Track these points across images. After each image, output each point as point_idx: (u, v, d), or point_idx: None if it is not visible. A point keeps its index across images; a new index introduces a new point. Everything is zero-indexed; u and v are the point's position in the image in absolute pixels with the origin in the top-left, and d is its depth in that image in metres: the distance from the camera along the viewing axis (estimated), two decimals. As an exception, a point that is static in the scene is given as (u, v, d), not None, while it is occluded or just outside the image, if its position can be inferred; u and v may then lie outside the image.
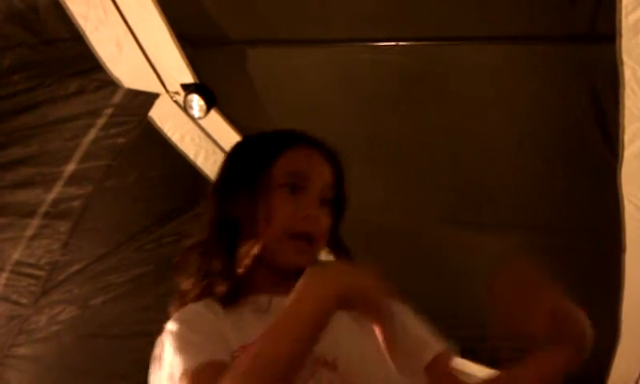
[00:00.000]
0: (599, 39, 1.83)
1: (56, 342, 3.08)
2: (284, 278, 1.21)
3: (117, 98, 2.52)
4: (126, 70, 2.46)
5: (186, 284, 1.31)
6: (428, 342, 1.26)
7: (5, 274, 2.79)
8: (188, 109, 2.61)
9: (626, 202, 2.25)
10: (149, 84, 2.58)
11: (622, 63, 1.80)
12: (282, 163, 1.28)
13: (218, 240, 1.26)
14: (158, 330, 1.24)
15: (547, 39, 1.97)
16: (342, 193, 1.35)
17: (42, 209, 2.67)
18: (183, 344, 1.11)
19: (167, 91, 2.63)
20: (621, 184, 2.19)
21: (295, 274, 1.11)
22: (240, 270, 1.24)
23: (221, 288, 1.22)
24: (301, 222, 1.22)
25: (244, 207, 1.26)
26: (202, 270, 1.27)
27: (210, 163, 2.97)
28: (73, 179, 2.65)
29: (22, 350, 3.03)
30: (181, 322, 1.19)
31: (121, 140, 2.64)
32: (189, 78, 2.55)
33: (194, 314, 1.22)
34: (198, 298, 1.26)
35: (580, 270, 2.70)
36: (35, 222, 2.70)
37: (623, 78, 1.83)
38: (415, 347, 1.24)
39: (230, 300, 1.20)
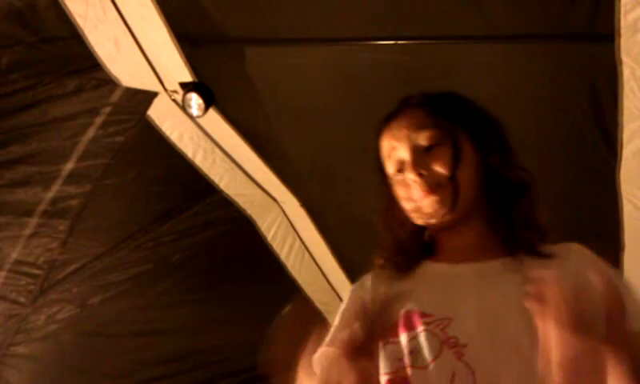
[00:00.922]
0: (598, 38, 1.83)
1: (54, 341, 3.08)
2: (460, 229, 1.30)
3: (115, 96, 2.51)
4: (125, 68, 2.45)
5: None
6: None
7: (3, 273, 2.78)
8: (186, 107, 2.60)
9: (624, 201, 2.25)
10: (147, 83, 2.57)
11: (620, 62, 1.80)
12: (383, 155, 1.38)
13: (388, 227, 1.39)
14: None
15: (546, 38, 1.97)
16: (454, 121, 1.33)
17: (41, 207, 2.67)
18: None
19: (166, 90, 2.63)
20: (619, 183, 2.20)
21: (464, 218, 1.28)
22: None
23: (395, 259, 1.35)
24: (412, 192, 1.29)
25: (389, 203, 1.38)
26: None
27: (208, 162, 2.97)
28: (71, 178, 2.64)
29: (20, 349, 3.03)
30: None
31: (119, 139, 2.64)
32: (187, 77, 2.55)
33: (352, 291, 1.40)
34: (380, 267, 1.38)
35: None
36: (34, 221, 2.70)
37: (622, 77, 1.84)
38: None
39: (403, 269, 1.32)
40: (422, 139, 1.29)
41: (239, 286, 3.32)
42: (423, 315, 1.18)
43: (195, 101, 2.58)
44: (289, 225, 3.46)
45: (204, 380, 3.47)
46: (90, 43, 2.31)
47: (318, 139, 2.70)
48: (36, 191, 2.62)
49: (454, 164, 1.27)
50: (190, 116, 2.69)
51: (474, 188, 1.29)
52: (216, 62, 2.53)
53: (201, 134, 2.87)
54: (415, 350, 1.14)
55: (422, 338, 1.14)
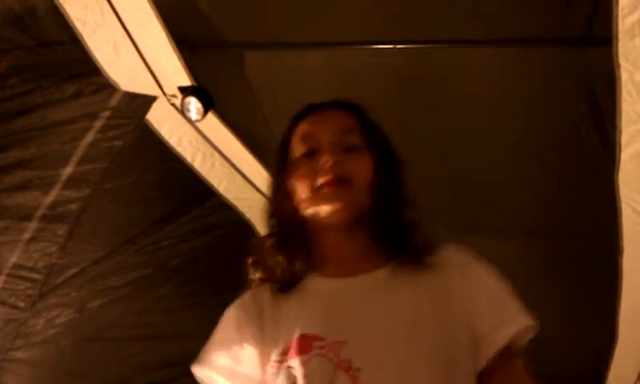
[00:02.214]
0: (596, 42, 1.83)
1: (53, 346, 3.07)
2: (345, 236, 1.30)
3: (114, 100, 2.51)
4: (124, 73, 2.45)
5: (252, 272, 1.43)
6: (499, 323, 1.20)
7: (2, 278, 2.78)
8: (185, 111, 2.61)
9: (623, 205, 2.25)
10: (146, 87, 2.58)
11: (618, 66, 1.80)
12: (294, 139, 1.37)
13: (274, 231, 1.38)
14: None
15: (544, 42, 1.97)
16: (376, 137, 1.36)
17: (40, 212, 2.67)
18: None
19: (164, 94, 2.63)
20: (618, 186, 2.20)
21: (352, 223, 1.27)
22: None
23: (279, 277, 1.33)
24: (319, 175, 1.27)
25: (280, 191, 1.37)
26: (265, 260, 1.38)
27: (207, 166, 2.98)
28: (70, 182, 2.64)
29: (19, 354, 3.02)
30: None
31: (118, 143, 2.64)
32: (186, 81, 2.55)
33: (230, 310, 1.43)
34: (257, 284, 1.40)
35: (578, 273, 2.70)
36: (32, 225, 2.70)
37: (620, 80, 1.84)
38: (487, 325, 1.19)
39: (285, 288, 1.30)
40: (349, 139, 1.32)
41: (238, 291, 3.31)
42: (316, 338, 1.17)
43: (194, 105, 2.58)
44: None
45: (203, 384, 3.46)
46: (88, 47, 2.32)
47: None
48: (35, 195, 2.62)
49: (370, 173, 1.30)
50: (189, 120, 2.69)
51: (368, 198, 1.29)
52: (215, 66, 2.53)
53: (200, 138, 2.87)
54: (309, 375, 1.13)
55: (316, 363, 1.14)
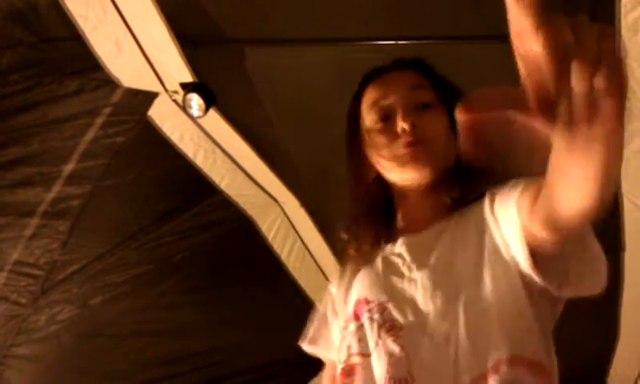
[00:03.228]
0: (598, 38, 1.82)
1: (55, 342, 3.08)
2: (424, 196, 1.28)
3: (116, 97, 2.51)
4: (125, 69, 2.45)
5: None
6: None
7: (4, 274, 2.79)
8: (187, 108, 2.60)
9: (625, 201, 2.25)
10: (148, 83, 2.57)
11: (621, 62, 1.80)
12: (364, 107, 1.34)
13: (356, 204, 1.36)
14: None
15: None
16: (446, 90, 1.33)
17: (41, 208, 2.67)
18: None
19: (166, 90, 2.63)
20: (620, 182, 2.20)
21: (434, 183, 1.25)
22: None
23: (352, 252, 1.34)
24: (398, 140, 1.24)
25: (357, 160, 1.35)
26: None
27: (209, 162, 2.98)
28: (72, 178, 2.64)
29: (21, 350, 3.03)
30: None
31: (120, 139, 2.64)
32: (188, 77, 2.55)
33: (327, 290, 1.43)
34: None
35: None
36: (34, 222, 2.70)
37: (622, 76, 1.83)
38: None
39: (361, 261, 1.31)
40: (420, 96, 1.28)
41: (239, 287, 3.33)
42: (366, 302, 1.20)
43: (196, 101, 2.58)
44: (289, 225, 3.47)
45: (204, 381, 3.47)
46: (90, 44, 2.32)
47: (319, 139, 2.70)
48: (37, 192, 2.62)
49: (447, 128, 1.26)
50: (191, 116, 2.69)
51: (449, 154, 1.26)
52: (216, 62, 2.53)
53: (201, 135, 2.87)
54: (362, 338, 1.16)
55: (366, 326, 1.16)
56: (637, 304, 2.66)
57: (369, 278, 1.25)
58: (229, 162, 3.03)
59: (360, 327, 1.17)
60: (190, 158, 2.92)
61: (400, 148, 1.23)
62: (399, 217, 1.33)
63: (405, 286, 1.17)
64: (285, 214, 3.40)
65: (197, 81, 2.56)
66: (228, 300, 3.33)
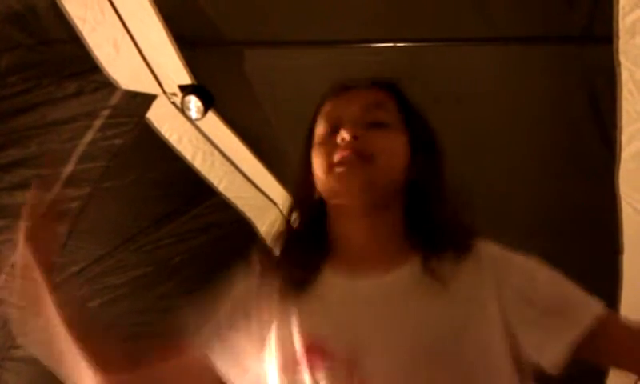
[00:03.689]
0: (596, 41, 1.83)
1: (54, 344, 3.07)
2: (365, 223, 1.15)
3: (114, 99, 2.51)
4: (124, 71, 2.45)
5: None
6: (573, 308, 1.07)
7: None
8: (186, 110, 2.60)
9: (623, 204, 2.25)
10: (146, 85, 2.57)
11: (619, 64, 1.80)
12: (318, 122, 1.25)
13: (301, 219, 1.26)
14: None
15: (545, 40, 1.97)
16: (412, 116, 1.23)
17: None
18: None
19: (165, 92, 2.63)
20: (618, 185, 2.20)
21: (372, 208, 1.14)
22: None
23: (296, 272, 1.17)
24: (337, 150, 1.13)
25: (301, 175, 1.25)
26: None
27: (207, 165, 2.97)
28: (70, 181, 2.64)
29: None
30: None
31: (118, 141, 2.64)
32: (186, 80, 2.55)
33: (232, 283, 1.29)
34: None
35: (578, 272, 2.70)
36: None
37: (620, 79, 1.84)
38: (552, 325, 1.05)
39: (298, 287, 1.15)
40: (378, 115, 1.18)
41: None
42: (326, 353, 1.04)
43: (194, 103, 2.58)
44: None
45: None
46: (88, 45, 2.32)
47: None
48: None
49: (401, 154, 1.17)
50: (189, 118, 2.69)
51: (395, 181, 1.16)
52: (215, 64, 2.53)
53: (200, 137, 2.87)
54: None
55: (326, 379, 1.02)
56: (635, 306, 2.66)
57: (327, 319, 1.09)
58: (227, 164, 3.03)
59: (317, 375, 1.03)
60: (189, 160, 2.92)
61: (334, 159, 1.13)
62: (338, 244, 1.19)
63: (380, 344, 1.03)
64: (283, 215, 3.40)
65: (195, 83, 2.56)
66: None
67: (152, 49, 2.43)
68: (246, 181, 3.14)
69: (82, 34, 2.27)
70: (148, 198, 2.97)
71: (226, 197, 3.15)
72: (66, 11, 2.17)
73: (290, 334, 1.08)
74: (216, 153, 2.96)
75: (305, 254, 1.18)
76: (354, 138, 1.12)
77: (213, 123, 2.76)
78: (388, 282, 1.10)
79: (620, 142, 2.03)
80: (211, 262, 3.28)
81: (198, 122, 2.75)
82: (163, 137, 2.78)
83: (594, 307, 1.07)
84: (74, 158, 2.59)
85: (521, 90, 2.16)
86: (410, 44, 2.14)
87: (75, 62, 2.35)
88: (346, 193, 1.13)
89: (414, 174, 1.18)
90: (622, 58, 1.78)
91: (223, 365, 1.19)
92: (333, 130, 1.18)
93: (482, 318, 1.04)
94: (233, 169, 3.06)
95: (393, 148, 1.16)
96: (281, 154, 2.91)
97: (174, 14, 2.29)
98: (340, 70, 2.32)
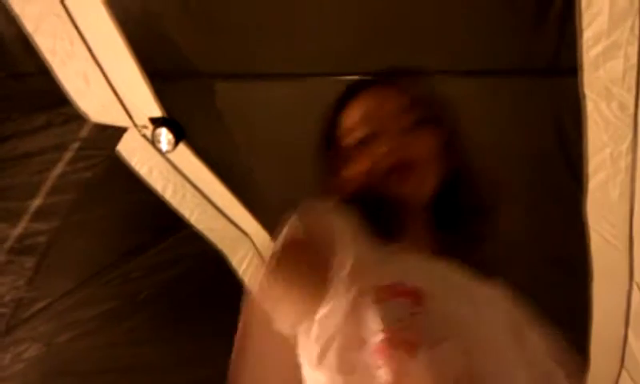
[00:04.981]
0: (562, 73, 1.86)
1: (21, 381, 3.01)
2: (409, 221, 1.18)
3: (84, 131, 2.50)
4: (94, 103, 2.44)
5: None
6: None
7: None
8: (156, 143, 2.60)
9: (592, 232, 2.28)
10: (116, 118, 2.56)
11: (584, 96, 1.84)
12: (344, 123, 1.27)
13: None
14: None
15: (511, 72, 2.00)
16: (433, 111, 1.28)
17: (7, 244, 2.63)
18: None
19: (135, 125, 2.62)
20: (587, 215, 2.23)
21: (418, 209, 1.18)
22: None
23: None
24: (381, 162, 1.17)
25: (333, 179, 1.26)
26: None
27: (178, 197, 2.96)
28: (39, 214, 2.61)
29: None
30: None
31: (88, 174, 2.62)
32: (157, 112, 2.54)
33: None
34: None
35: (549, 300, 2.72)
36: (0, 258, 2.66)
37: (586, 110, 1.87)
38: None
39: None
40: (406, 117, 1.22)
41: (209, 323, 3.29)
42: (425, 294, 1.01)
43: (165, 136, 2.57)
44: (260, 259, 3.45)
45: (173, 417, 3.42)
46: (58, 78, 2.31)
47: (289, 172, 2.70)
48: (3, 227, 2.59)
49: (434, 147, 1.22)
50: (160, 151, 2.68)
51: (435, 179, 1.21)
52: (186, 96, 2.53)
53: (171, 169, 2.85)
54: (424, 325, 0.98)
55: (430, 314, 0.99)
56: (606, 333, 2.68)
57: (421, 273, 1.08)
58: (198, 196, 3.02)
59: (419, 312, 0.99)
60: (160, 193, 2.90)
61: (381, 171, 1.17)
62: (404, 230, 1.19)
63: (465, 300, 1.06)
64: (255, 247, 3.38)
65: (166, 116, 2.55)
66: (197, 336, 3.29)
67: (122, 81, 2.43)
68: (217, 212, 3.13)
69: (51, 67, 2.26)
70: (118, 231, 2.94)
71: (197, 229, 3.14)
72: (36, 44, 2.16)
73: (388, 269, 1.07)
74: (187, 185, 2.95)
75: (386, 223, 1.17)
76: (396, 147, 1.17)
77: (184, 155, 2.75)
78: (452, 267, 1.14)
79: (587, 172, 2.07)
80: (182, 295, 3.26)
81: (168, 155, 2.74)
82: (133, 169, 2.76)
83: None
84: (42, 191, 2.56)
85: (488, 121, 2.18)
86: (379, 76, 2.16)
87: (45, 94, 2.34)
88: (397, 198, 1.17)
89: (444, 167, 1.23)
90: (587, 90, 1.82)
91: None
92: (367, 139, 1.21)
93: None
94: (204, 201, 3.05)
95: (428, 148, 1.21)
96: (252, 185, 2.91)
97: (145, 47, 2.29)
98: (310, 101, 2.33)
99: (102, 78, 2.39)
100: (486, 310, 1.09)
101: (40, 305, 2.91)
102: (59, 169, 2.54)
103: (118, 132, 2.63)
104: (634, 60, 1.69)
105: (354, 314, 1.01)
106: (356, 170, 1.21)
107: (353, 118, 1.26)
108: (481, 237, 1.26)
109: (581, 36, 1.70)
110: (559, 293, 2.68)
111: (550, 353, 1.14)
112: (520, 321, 1.14)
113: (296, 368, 1.08)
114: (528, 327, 1.15)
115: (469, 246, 1.24)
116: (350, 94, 1.31)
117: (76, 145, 2.52)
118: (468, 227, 1.26)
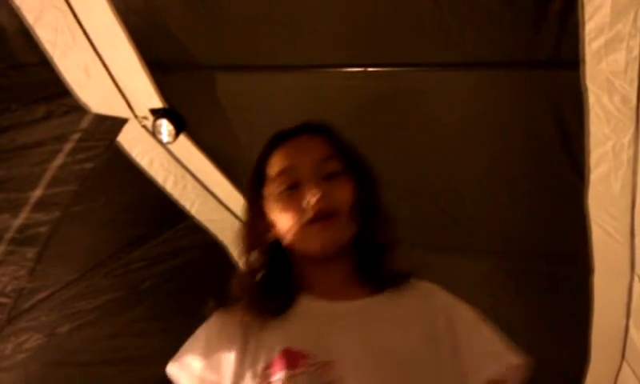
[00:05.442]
0: (564, 65, 1.85)
1: (22, 371, 3.02)
2: (329, 265, 1.30)
3: (84, 123, 2.49)
4: (94, 95, 2.44)
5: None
6: (489, 355, 1.22)
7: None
8: (157, 134, 2.59)
9: (593, 225, 2.27)
10: (117, 109, 2.56)
11: (586, 89, 1.83)
12: (271, 171, 1.35)
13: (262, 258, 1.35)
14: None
15: (513, 65, 1.99)
16: (352, 158, 1.36)
17: (8, 235, 2.63)
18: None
19: (136, 116, 2.62)
20: (588, 207, 2.22)
21: (337, 253, 1.27)
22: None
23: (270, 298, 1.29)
24: (305, 210, 1.26)
25: (259, 222, 1.35)
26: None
27: (179, 188, 2.96)
28: (40, 205, 2.61)
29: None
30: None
31: (88, 165, 2.62)
32: (158, 103, 2.54)
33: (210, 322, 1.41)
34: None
35: (550, 293, 2.72)
36: (1, 249, 2.66)
37: (588, 103, 1.86)
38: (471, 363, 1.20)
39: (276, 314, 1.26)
40: (328, 166, 1.31)
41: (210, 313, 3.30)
42: (303, 356, 1.14)
43: (166, 127, 2.57)
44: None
45: (175, 408, 3.42)
46: (59, 70, 2.30)
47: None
48: (4, 218, 2.58)
49: (354, 197, 1.30)
50: (161, 142, 2.68)
51: (352, 225, 1.30)
52: (187, 88, 2.53)
53: (171, 160, 2.85)
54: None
55: (302, 380, 1.11)
56: (607, 326, 2.68)
57: (304, 330, 1.21)
58: (199, 187, 3.02)
59: (292, 378, 1.11)
60: (160, 184, 2.90)
61: (306, 219, 1.26)
62: (307, 279, 1.32)
63: (354, 352, 1.16)
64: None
65: (167, 106, 2.55)
66: (198, 327, 3.29)
67: (123, 73, 2.43)
68: (218, 204, 3.13)
69: (52, 59, 2.25)
70: (119, 222, 2.94)
71: (198, 220, 3.14)
72: (36, 35, 2.16)
73: (265, 347, 1.19)
74: (188, 176, 2.95)
75: (278, 289, 1.29)
76: (321, 197, 1.25)
77: (184, 147, 2.75)
78: (357, 306, 1.26)
79: (588, 164, 2.06)
80: (183, 286, 3.26)
81: (169, 146, 2.73)
82: (134, 160, 2.76)
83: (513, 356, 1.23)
84: (43, 183, 2.56)
85: (489, 114, 2.18)
86: (379, 69, 2.16)
87: (45, 85, 2.33)
88: (320, 247, 1.27)
89: (361, 213, 1.32)
90: (589, 83, 1.81)
91: None
92: (292, 186, 1.30)
93: (433, 345, 1.20)
94: (205, 192, 3.05)
95: (348, 196, 1.30)
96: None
97: (146, 38, 2.29)
98: (311, 93, 2.33)
99: (103, 69, 2.39)
100: (413, 328, 1.21)
101: (41, 295, 2.91)
102: (60, 160, 2.54)
103: (118, 123, 2.62)
104: (637, 52, 1.68)
105: None
106: (282, 216, 1.30)
107: (277, 167, 1.34)
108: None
109: (583, 28, 1.69)
110: (560, 285, 2.68)
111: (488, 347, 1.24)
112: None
113: None
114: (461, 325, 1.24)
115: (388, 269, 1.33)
116: (275, 142, 1.40)
117: (77, 136, 2.51)
118: (386, 259, 1.34)
